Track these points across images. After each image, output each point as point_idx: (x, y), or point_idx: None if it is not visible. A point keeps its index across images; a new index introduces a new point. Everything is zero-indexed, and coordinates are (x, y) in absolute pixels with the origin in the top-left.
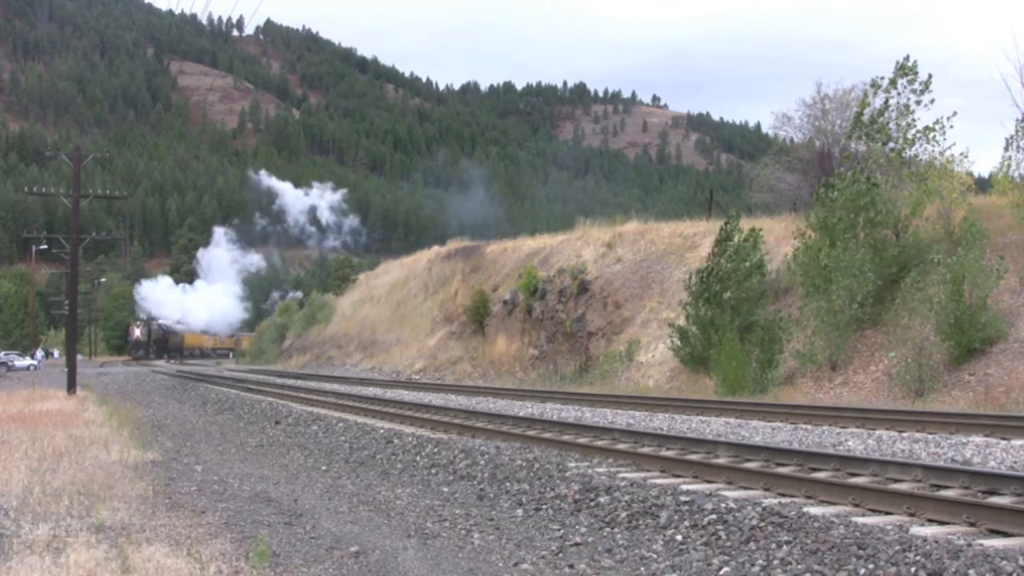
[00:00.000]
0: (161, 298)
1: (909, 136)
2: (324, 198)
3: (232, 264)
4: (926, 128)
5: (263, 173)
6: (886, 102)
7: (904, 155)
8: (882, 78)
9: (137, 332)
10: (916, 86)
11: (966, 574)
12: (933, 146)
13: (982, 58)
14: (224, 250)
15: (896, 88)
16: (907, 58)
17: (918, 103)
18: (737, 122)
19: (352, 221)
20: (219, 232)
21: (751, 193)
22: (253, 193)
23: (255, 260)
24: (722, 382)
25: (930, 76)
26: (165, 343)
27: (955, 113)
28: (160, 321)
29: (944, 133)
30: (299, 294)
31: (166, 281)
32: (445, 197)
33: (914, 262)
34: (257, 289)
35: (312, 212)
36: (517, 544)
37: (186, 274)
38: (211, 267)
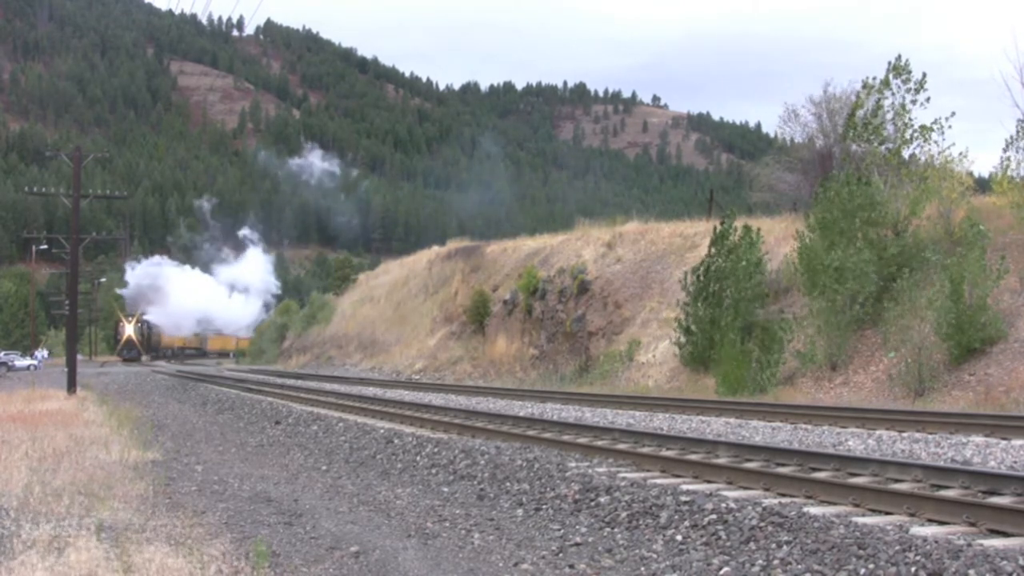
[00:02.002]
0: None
1: (907, 136)
2: (332, 162)
3: (215, 242)
4: (923, 128)
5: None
6: (878, 103)
7: (902, 155)
8: (874, 79)
9: (129, 330)
10: (911, 86)
11: (966, 574)
12: (932, 146)
13: (982, 58)
14: (210, 241)
15: (890, 88)
16: (899, 58)
17: (913, 102)
18: (737, 122)
19: (367, 182)
20: (203, 206)
21: (751, 193)
22: (258, 176)
23: (245, 231)
24: (722, 382)
25: (924, 75)
26: (149, 342)
27: (953, 113)
28: (145, 317)
29: (943, 133)
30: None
31: (165, 268)
32: (462, 179)
33: (914, 262)
34: (279, 267)
35: (325, 178)
36: (517, 544)
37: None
38: (193, 249)
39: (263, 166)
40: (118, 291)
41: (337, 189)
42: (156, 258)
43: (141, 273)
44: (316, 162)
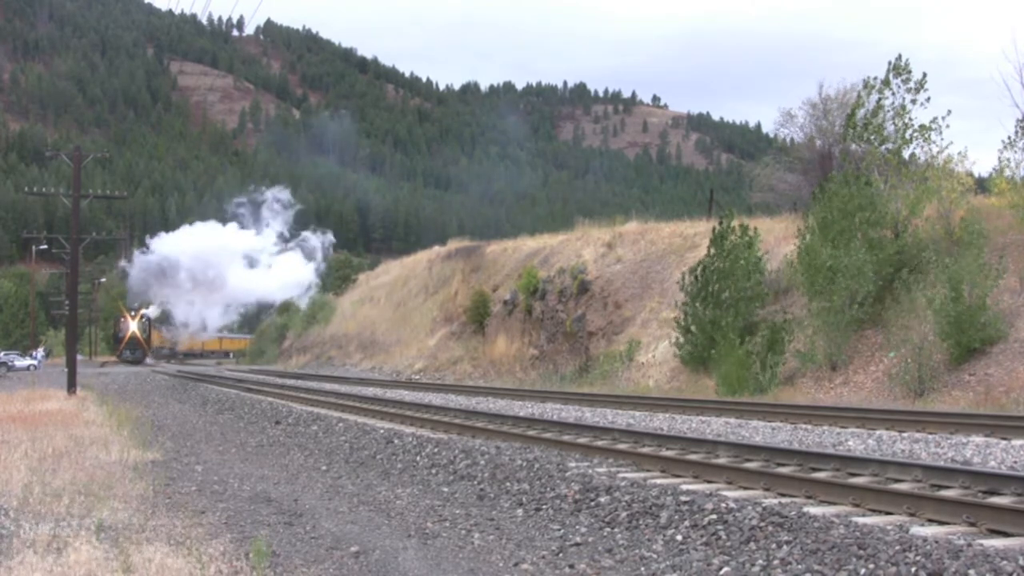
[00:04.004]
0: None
1: (906, 136)
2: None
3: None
4: (922, 127)
5: None
6: (879, 103)
7: (902, 155)
8: (875, 78)
9: (133, 326)
10: (911, 85)
11: (966, 574)
12: (932, 146)
13: (982, 58)
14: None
15: (890, 88)
16: (899, 57)
17: (913, 102)
18: (737, 122)
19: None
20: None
21: (751, 193)
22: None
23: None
24: (722, 382)
25: (924, 75)
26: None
27: (950, 112)
28: (145, 311)
29: (941, 133)
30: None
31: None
32: (462, 179)
33: (914, 262)
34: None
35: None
36: (517, 544)
37: None
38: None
39: (264, 164)
40: (128, 267)
41: (356, 160)
42: (192, 227)
43: (179, 242)
44: (330, 127)
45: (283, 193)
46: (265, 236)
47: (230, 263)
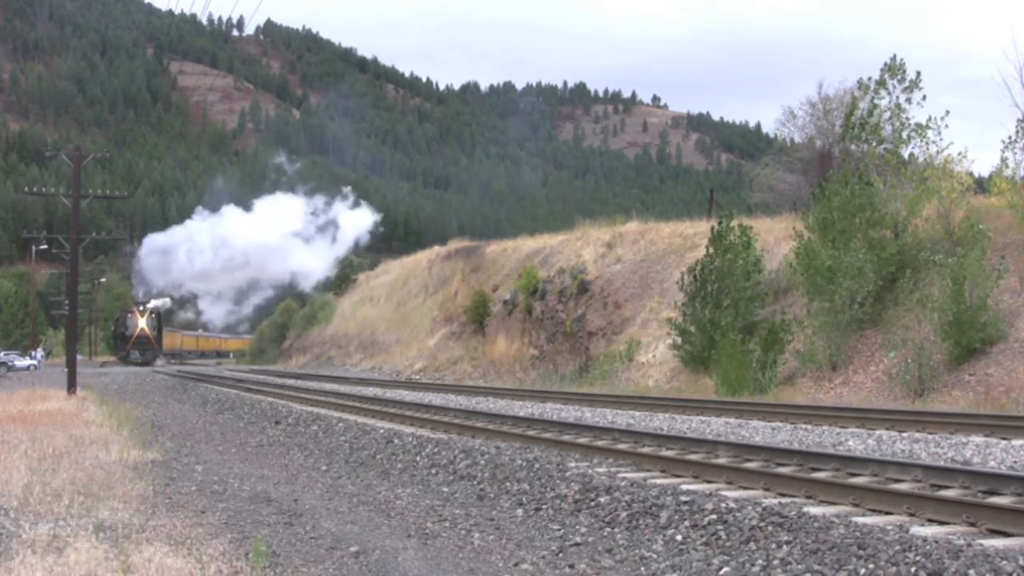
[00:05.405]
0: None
1: (904, 135)
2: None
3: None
4: (919, 126)
5: None
6: (873, 102)
7: (900, 155)
8: (870, 79)
9: (141, 323)
10: (906, 84)
11: (966, 574)
12: (931, 145)
13: (983, 57)
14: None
15: (886, 88)
16: (893, 57)
17: (908, 101)
18: (737, 122)
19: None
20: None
21: (751, 193)
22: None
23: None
24: (722, 382)
25: (918, 74)
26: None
27: (948, 112)
28: (155, 303)
29: (939, 132)
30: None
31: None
32: (462, 179)
33: (914, 262)
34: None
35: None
36: (517, 544)
37: None
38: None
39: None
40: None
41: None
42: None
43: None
44: (329, 126)
45: (294, 162)
46: (344, 198)
47: (294, 245)
